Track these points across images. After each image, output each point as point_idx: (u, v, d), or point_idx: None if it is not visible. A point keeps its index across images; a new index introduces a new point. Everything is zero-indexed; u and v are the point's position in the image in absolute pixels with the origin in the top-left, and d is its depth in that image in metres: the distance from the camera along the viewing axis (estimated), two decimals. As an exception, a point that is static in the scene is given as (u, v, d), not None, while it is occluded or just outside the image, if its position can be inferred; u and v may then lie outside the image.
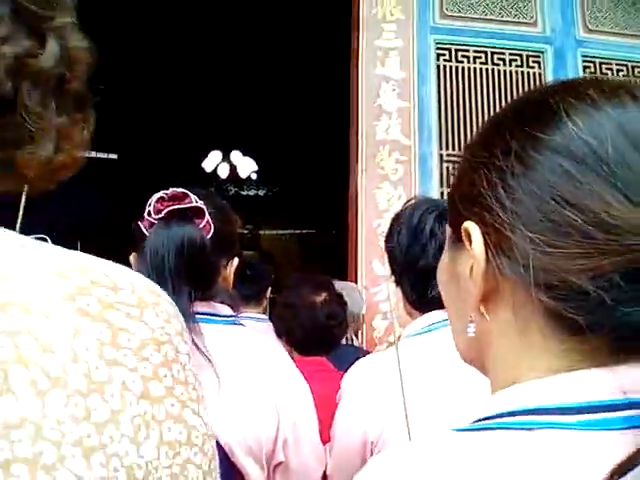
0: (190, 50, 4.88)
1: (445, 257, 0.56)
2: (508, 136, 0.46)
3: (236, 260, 1.30)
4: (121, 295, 0.42)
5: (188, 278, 1.11)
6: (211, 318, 1.17)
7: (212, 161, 6.86)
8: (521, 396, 0.44)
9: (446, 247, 0.56)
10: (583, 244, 0.41)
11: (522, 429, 0.42)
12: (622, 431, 0.39)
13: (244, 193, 7.78)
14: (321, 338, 1.94)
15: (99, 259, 0.45)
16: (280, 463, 1.15)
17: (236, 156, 6.87)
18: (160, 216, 1.14)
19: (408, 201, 1.30)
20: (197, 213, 1.16)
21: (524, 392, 0.44)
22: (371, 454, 1.17)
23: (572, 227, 0.41)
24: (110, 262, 0.45)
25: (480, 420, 0.45)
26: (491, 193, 0.45)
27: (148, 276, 0.48)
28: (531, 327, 0.45)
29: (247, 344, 1.21)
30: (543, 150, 0.43)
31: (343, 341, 2.32)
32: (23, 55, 0.44)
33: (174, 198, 1.16)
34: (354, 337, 2.54)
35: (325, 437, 1.32)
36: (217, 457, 0.46)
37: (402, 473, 0.43)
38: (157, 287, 0.46)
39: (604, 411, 0.41)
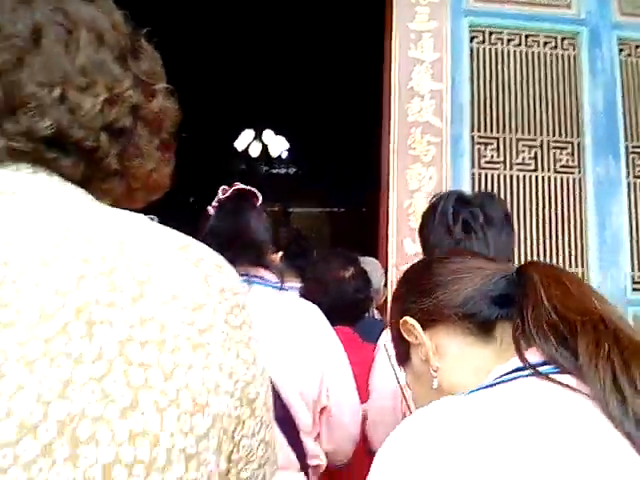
0: (225, 31, 4.89)
1: (406, 374, 0.93)
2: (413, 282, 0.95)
3: (280, 253, 1.50)
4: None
5: (243, 244, 1.34)
6: (261, 282, 1.34)
7: (244, 140, 6.91)
8: (505, 368, 0.73)
9: (404, 370, 0.93)
10: (456, 282, 0.85)
11: (511, 380, 0.70)
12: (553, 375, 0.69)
13: (275, 171, 7.82)
14: (349, 310, 2.05)
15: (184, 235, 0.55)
16: (324, 408, 1.28)
17: (268, 135, 6.90)
18: (227, 195, 1.39)
19: (438, 194, 1.43)
20: (253, 196, 1.42)
21: (505, 367, 0.73)
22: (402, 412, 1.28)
23: (445, 282, 0.86)
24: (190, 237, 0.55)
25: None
26: (408, 305, 0.90)
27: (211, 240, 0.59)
28: (468, 342, 0.82)
29: (293, 307, 1.38)
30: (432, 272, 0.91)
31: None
32: (139, 103, 0.59)
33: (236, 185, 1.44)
34: (375, 311, 2.63)
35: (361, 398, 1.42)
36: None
37: (424, 426, 0.64)
38: (223, 261, 0.56)
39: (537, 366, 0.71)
